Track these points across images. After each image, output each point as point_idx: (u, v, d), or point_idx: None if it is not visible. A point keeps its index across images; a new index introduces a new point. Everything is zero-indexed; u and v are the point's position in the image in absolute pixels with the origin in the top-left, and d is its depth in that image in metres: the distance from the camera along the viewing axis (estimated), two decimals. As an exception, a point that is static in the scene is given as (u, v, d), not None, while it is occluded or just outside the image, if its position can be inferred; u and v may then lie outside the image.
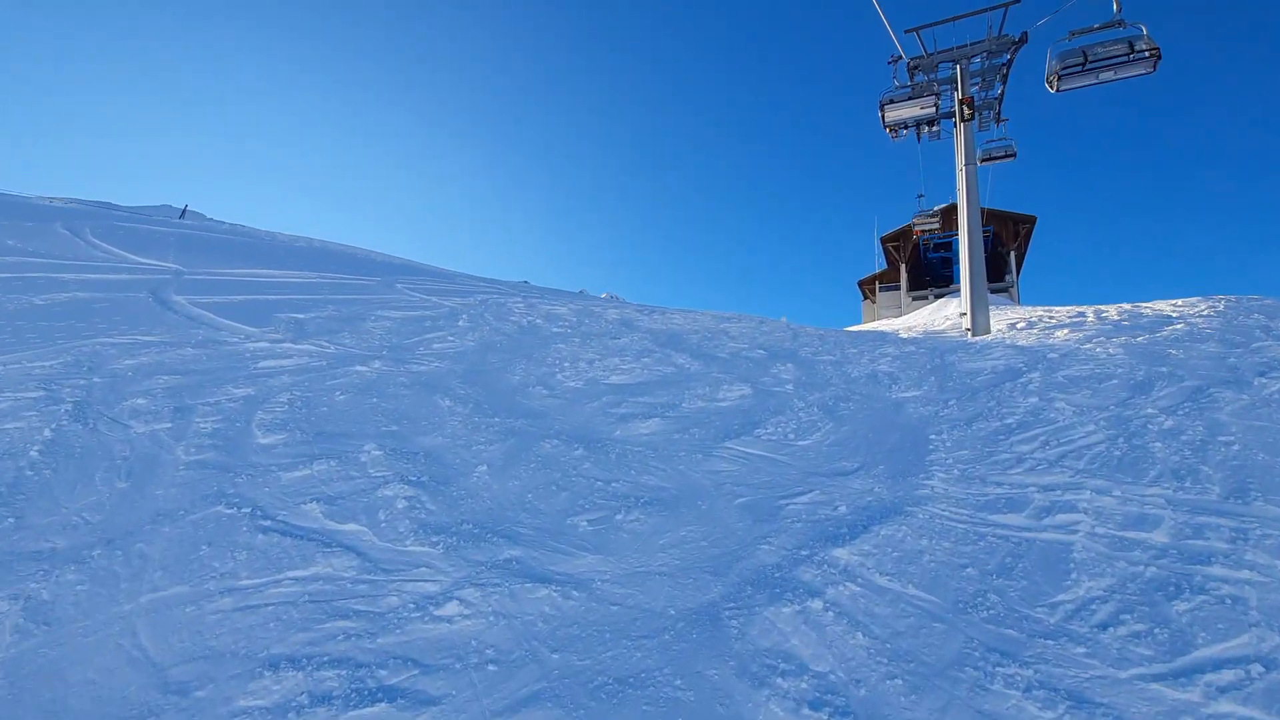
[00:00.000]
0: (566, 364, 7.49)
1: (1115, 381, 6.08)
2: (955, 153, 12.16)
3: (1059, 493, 4.20)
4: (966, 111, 10.23)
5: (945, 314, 18.57)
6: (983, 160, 13.68)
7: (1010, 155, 13.93)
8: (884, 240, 29.04)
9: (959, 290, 23.50)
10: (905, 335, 12.55)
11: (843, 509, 4.31)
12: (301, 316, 7.95)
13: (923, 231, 24.75)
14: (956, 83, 11.02)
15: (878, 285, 29.87)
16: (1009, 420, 5.53)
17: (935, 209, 25.23)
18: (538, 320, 10.08)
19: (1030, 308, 16.63)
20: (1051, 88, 9.46)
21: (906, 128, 12.41)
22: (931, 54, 11.58)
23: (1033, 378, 6.55)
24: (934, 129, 12.90)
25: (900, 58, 12.03)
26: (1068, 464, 4.60)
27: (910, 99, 11.82)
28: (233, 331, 7.09)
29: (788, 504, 4.43)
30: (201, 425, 4.94)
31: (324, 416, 5.32)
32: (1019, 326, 10.71)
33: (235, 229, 19.00)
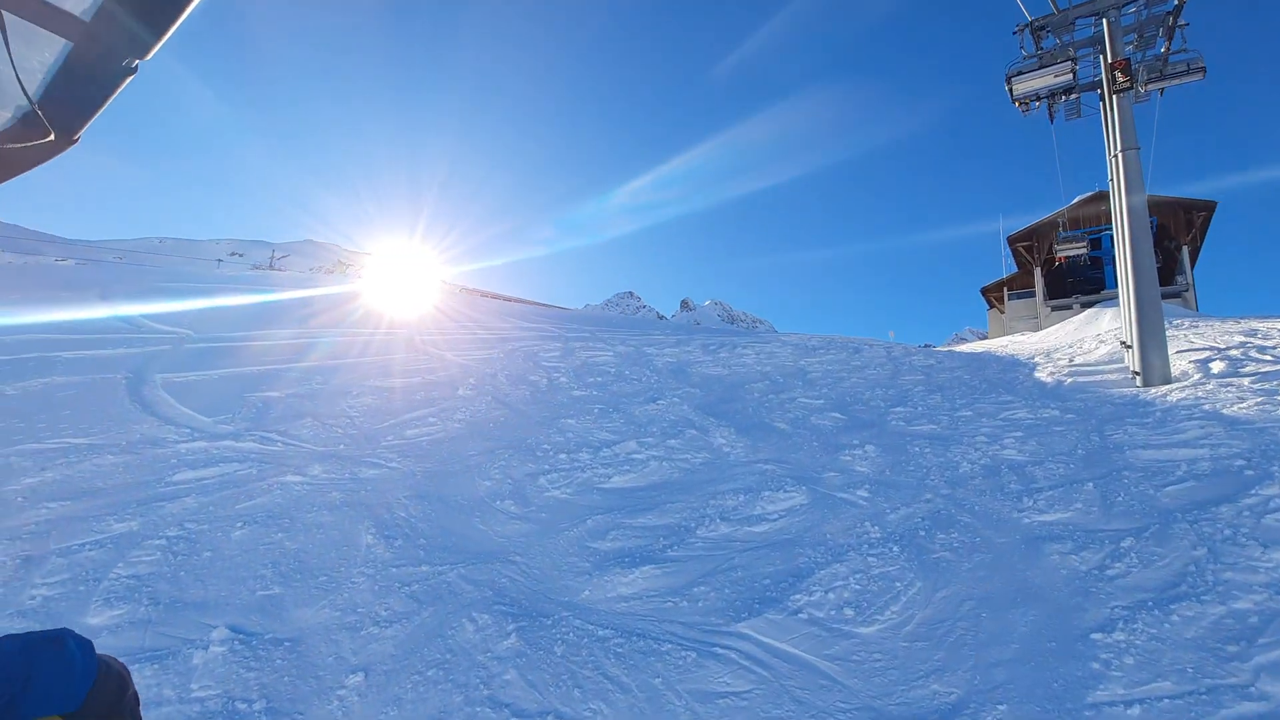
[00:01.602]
0: (564, 455, 5.83)
1: None
2: (1104, 134, 9.26)
3: None
4: (1119, 79, 7.50)
5: (1097, 332, 14.96)
6: (1153, 82, 9.39)
7: (1197, 72, 9.49)
8: (1012, 240, 24.59)
9: (1113, 299, 19.34)
10: (1045, 372, 9.74)
11: (921, 836, 2.29)
12: (275, 395, 6.89)
13: (1068, 257, 20.71)
14: (1105, 43, 8.22)
15: (1006, 292, 25.47)
16: (1239, 603, 3.18)
17: (1080, 232, 20.86)
18: (562, 378, 8.54)
19: (1216, 321, 12.89)
20: None
21: (1040, 99, 9.82)
22: (1065, 10, 8.83)
23: (1269, 496, 4.02)
24: (1072, 96, 9.89)
25: (1027, 25, 9.62)
26: None
27: (1041, 68, 9.46)
28: (182, 425, 6.09)
29: (818, 806, 2.47)
30: (32, 594, 3.75)
31: (198, 570, 3.99)
32: (1213, 366, 7.71)
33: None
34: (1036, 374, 9.76)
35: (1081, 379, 8.50)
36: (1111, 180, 9.26)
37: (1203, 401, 6.18)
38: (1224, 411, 5.72)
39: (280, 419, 6.32)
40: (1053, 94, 9.67)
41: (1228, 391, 6.37)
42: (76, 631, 0.82)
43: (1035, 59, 9.86)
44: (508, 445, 6.03)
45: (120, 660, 0.89)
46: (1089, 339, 13.93)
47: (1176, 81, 9.15)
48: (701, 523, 4.65)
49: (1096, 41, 8.98)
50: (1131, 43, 8.84)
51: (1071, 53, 9.14)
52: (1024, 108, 10.24)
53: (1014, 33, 10.10)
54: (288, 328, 9.67)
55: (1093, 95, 10.89)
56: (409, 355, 8.95)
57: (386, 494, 5.01)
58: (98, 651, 0.84)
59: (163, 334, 8.93)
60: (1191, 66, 9.28)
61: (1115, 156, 8.21)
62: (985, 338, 27.79)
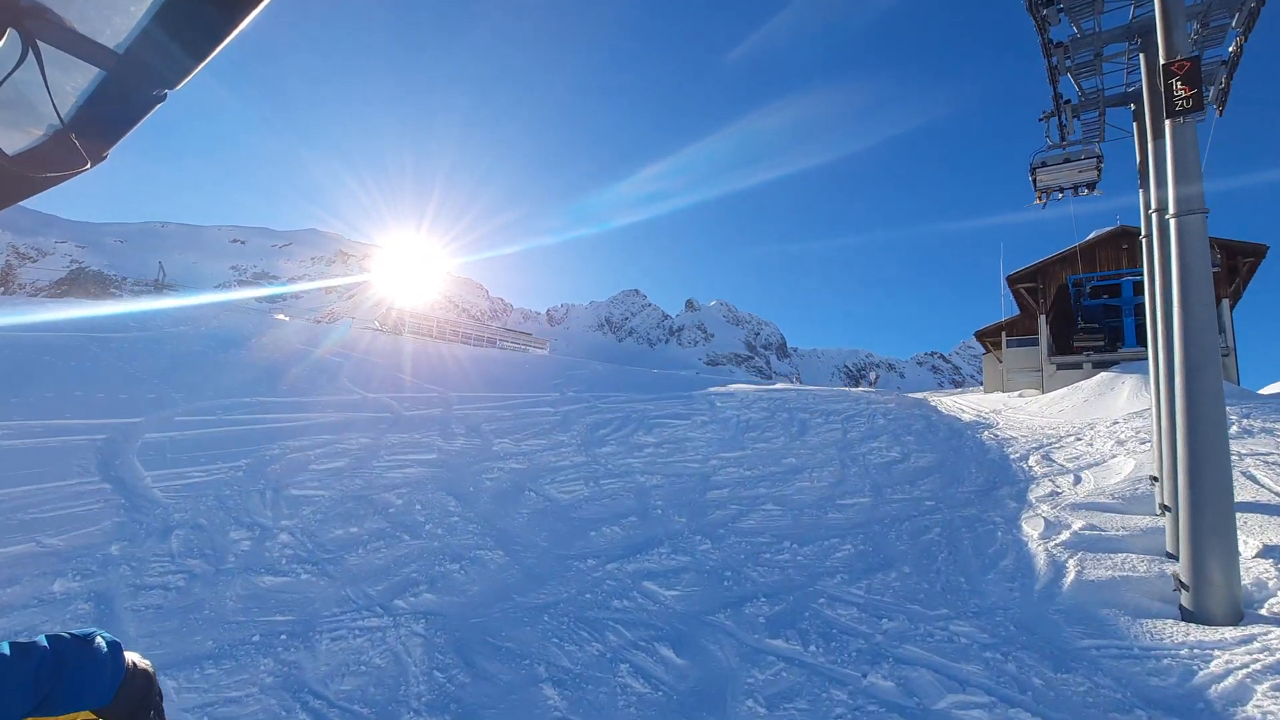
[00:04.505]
0: None
1: None
2: (1141, 178, 6.15)
3: None
4: (1179, 93, 4.36)
5: (1112, 416, 11.78)
6: None
7: None
8: (1012, 281, 21.05)
9: (1133, 360, 16.12)
10: (1036, 518, 6.69)
11: None
12: None
13: (1083, 348, 18.23)
14: (1156, 31, 4.93)
15: (1005, 338, 22.06)
16: None
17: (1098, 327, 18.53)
18: (231, 558, 5.51)
19: (1275, 416, 9.69)
20: None
21: (1062, 191, 9.17)
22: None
23: None
24: (1096, 193, 9.12)
25: (1051, 114, 8.80)
26: None
27: (1067, 162, 8.89)
28: None
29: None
30: None
31: None
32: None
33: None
34: (1024, 521, 6.68)
35: (1090, 566, 5.38)
36: (1149, 246, 6.18)
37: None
38: None
39: None
40: (1077, 186, 8.87)
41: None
42: (106, 632, 0.92)
43: (1060, 148, 8.94)
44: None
45: (147, 660, 0.98)
46: (1101, 428, 10.78)
47: None
48: None
49: (1137, 33, 5.85)
50: (1192, 34, 5.70)
51: (1097, 150, 8.22)
52: (1045, 198, 9.37)
53: (1039, 119, 8.90)
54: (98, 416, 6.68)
55: (1122, 112, 7.80)
56: (79, 485, 5.94)
57: None
58: (126, 652, 0.94)
59: None
60: None
61: (1163, 217, 5.09)
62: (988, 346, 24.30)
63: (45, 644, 0.82)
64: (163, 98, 1.06)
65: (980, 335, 23.30)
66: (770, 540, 6.45)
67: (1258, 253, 17.40)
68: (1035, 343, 20.20)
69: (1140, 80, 6.01)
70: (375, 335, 16.47)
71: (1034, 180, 9.10)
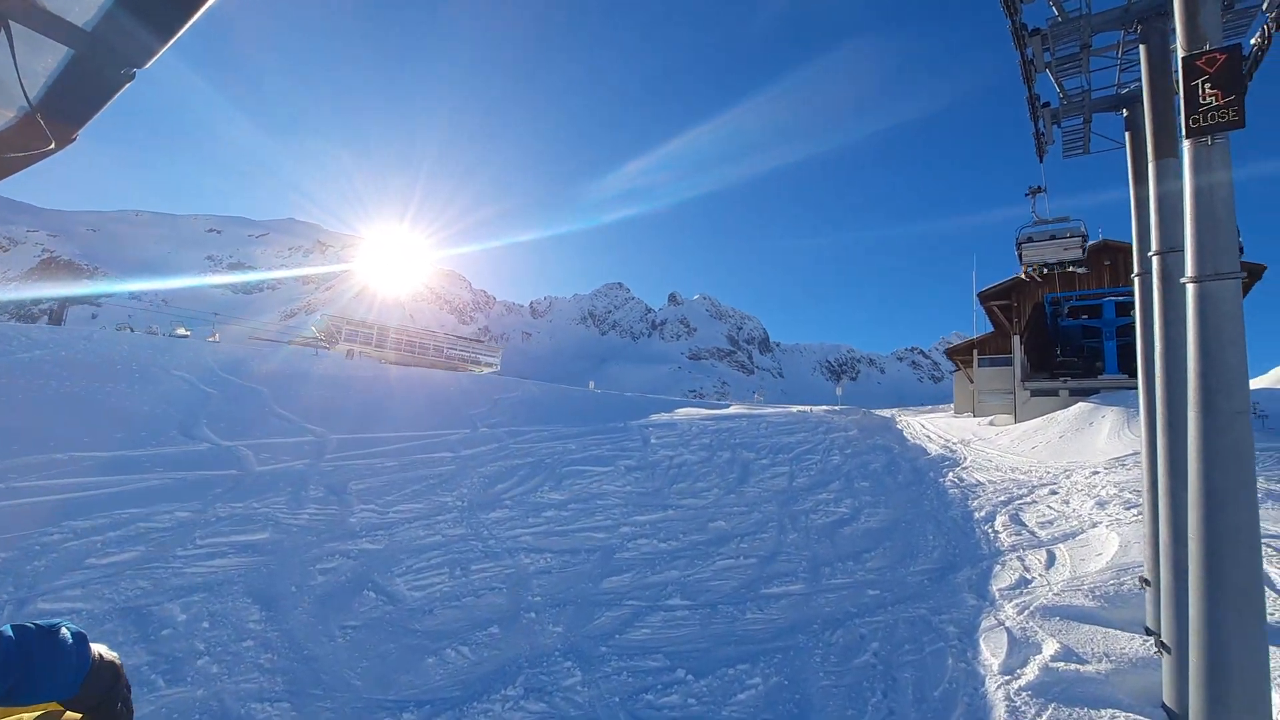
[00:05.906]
0: None
1: None
2: (1136, 213, 4.82)
3: None
4: (1208, 101, 3.01)
5: (1091, 463, 10.52)
6: None
7: None
8: (984, 298, 19.66)
9: (1115, 390, 14.94)
10: (997, 625, 5.37)
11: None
12: None
13: (1063, 375, 17.41)
14: (1174, 15, 3.47)
15: (976, 356, 20.79)
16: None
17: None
18: None
19: None
20: None
21: (1048, 266, 9.16)
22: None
23: None
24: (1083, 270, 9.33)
25: (1038, 189, 8.91)
26: None
27: (1052, 239, 9.17)
28: None
29: None
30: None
31: None
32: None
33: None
34: (983, 635, 5.34)
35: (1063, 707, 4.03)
36: (1145, 289, 4.86)
37: None
38: None
39: None
40: (1062, 264, 8.90)
41: None
42: (71, 623, 0.88)
43: (1046, 224, 9.16)
44: None
45: (114, 651, 0.98)
46: (1079, 477, 9.50)
47: None
48: None
49: (1137, 19, 4.46)
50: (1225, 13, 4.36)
51: (1083, 229, 8.69)
52: (1035, 271, 9.20)
53: (1026, 194, 9.07)
54: None
55: (1111, 119, 6.46)
56: None
57: None
58: (91, 643, 0.92)
59: None
60: None
61: (1167, 264, 3.74)
62: (972, 340, 22.86)
63: (10, 634, 0.81)
64: (131, 77, 1.05)
65: (950, 353, 22.00)
66: (661, 665, 5.03)
67: (1255, 273, 16.18)
68: (1009, 362, 18.91)
69: (1139, 79, 4.63)
70: (287, 356, 14.80)
71: (1020, 255, 9.29)
